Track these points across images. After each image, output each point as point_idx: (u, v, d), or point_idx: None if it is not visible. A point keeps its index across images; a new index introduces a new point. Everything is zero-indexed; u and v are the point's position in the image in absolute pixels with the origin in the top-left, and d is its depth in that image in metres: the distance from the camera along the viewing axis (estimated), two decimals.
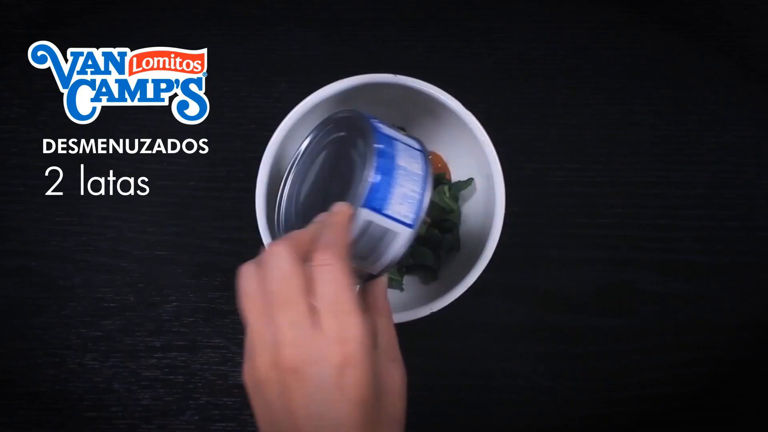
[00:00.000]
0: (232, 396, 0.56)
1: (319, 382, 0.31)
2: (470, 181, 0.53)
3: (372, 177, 0.38)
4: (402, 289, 0.54)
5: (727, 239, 0.58)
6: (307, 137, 0.44)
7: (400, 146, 0.41)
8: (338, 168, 0.41)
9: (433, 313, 0.47)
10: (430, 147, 0.55)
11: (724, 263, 0.57)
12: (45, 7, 0.60)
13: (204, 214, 0.58)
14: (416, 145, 0.43)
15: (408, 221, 0.41)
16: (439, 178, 0.55)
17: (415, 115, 0.54)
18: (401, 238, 0.41)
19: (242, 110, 0.59)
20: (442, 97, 0.49)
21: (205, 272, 0.57)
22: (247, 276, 0.33)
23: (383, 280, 0.39)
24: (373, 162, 0.38)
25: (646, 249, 0.57)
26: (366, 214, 0.38)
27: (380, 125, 0.41)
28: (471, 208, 0.54)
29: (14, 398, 0.55)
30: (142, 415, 0.55)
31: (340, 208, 0.37)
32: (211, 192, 0.58)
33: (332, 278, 0.32)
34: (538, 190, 0.58)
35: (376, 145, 0.39)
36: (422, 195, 0.41)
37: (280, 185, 0.44)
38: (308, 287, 0.32)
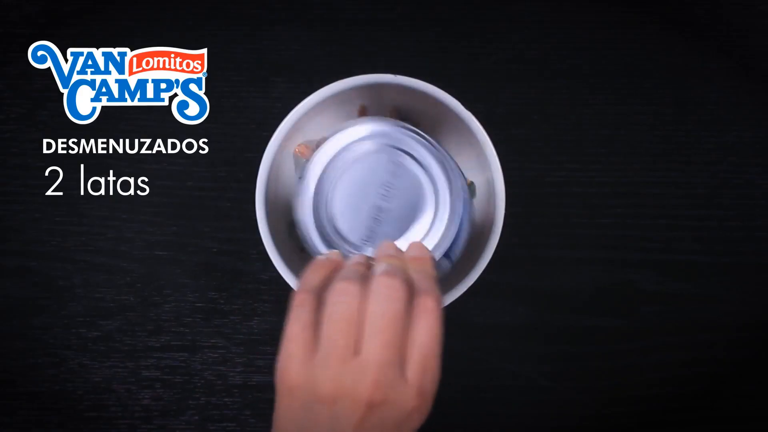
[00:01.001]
0: (232, 396, 0.56)
1: (385, 421, 0.31)
2: (471, 185, 0.54)
3: (456, 230, 0.39)
4: None
5: (727, 239, 0.58)
6: (342, 132, 0.41)
7: (466, 185, 0.42)
8: (397, 188, 0.40)
9: None
10: None
11: (724, 263, 0.57)
12: (45, 7, 0.60)
13: (204, 214, 0.58)
14: (461, 174, 0.43)
15: (453, 257, 0.41)
16: None
17: (414, 116, 0.54)
18: (440, 272, 0.41)
19: (242, 110, 0.59)
20: (442, 97, 0.49)
21: (205, 272, 0.57)
22: (350, 297, 0.32)
23: None
24: (461, 214, 0.39)
25: (646, 249, 0.57)
26: (440, 261, 0.40)
27: (452, 160, 0.40)
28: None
29: (14, 398, 0.55)
30: (141, 415, 0.55)
31: (424, 253, 0.37)
32: (211, 192, 0.58)
33: (431, 328, 0.32)
34: (538, 190, 0.58)
35: (465, 195, 0.39)
36: (468, 233, 0.42)
37: (295, 186, 0.42)
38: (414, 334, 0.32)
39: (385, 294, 0.32)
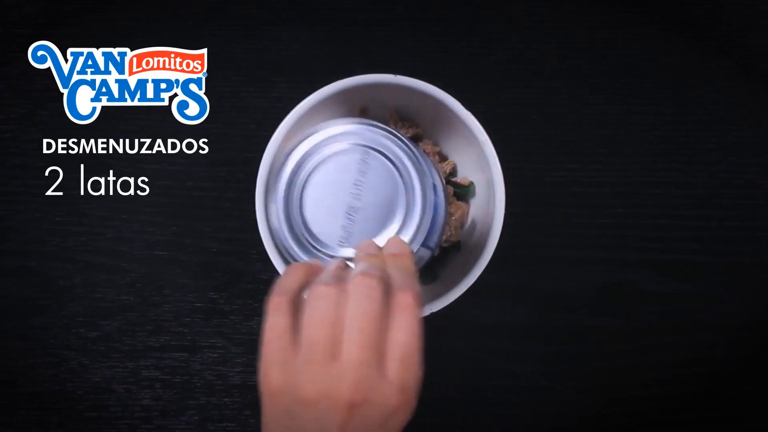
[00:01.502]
0: (232, 396, 0.56)
1: (369, 420, 0.31)
2: (471, 185, 0.54)
3: (430, 219, 0.38)
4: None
5: (727, 239, 0.58)
6: (307, 139, 0.41)
7: (435, 173, 0.41)
8: (367, 185, 0.40)
9: (433, 313, 0.47)
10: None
11: (724, 263, 0.57)
12: (45, 7, 0.60)
13: (204, 214, 0.58)
14: (432, 162, 0.42)
15: (432, 245, 0.41)
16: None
17: (414, 116, 0.54)
18: (421, 261, 0.41)
19: (242, 110, 0.59)
20: (442, 97, 0.49)
21: (205, 272, 0.57)
22: (328, 300, 0.32)
23: None
24: (434, 202, 0.38)
25: (646, 249, 0.57)
26: (418, 251, 0.39)
27: (419, 150, 0.40)
28: (471, 208, 0.54)
29: (14, 398, 0.55)
30: (141, 415, 0.55)
31: (402, 248, 0.36)
32: (211, 192, 0.58)
33: (409, 325, 0.32)
34: (538, 190, 0.58)
35: (435, 183, 0.39)
36: (444, 219, 0.42)
37: (279, 185, 0.41)
38: (392, 331, 0.32)
39: (361, 294, 0.32)
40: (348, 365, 0.31)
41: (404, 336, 0.32)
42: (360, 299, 0.32)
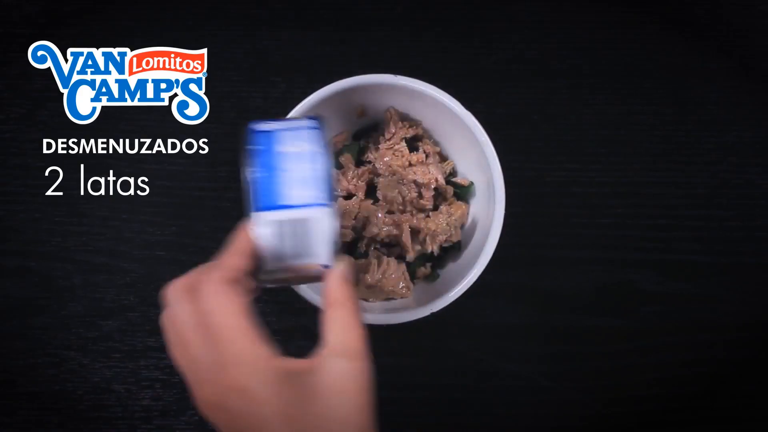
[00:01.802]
0: None
1: (236, 410, 0.32)
2: (471, 185, 0.54)
3: (250, 179, 0.38)
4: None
5: (727, 239, 0.58)
6: None
7: (279, 135, 0.40)
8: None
9: (433, 313, 0.47)
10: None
11: (724, 263, 0.57)
12: (45, 7, 0.60)
13: (204, 214, 0.58)
14: (303, 124, 0.42)
15: (320, 201, 0.39)
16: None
17: (414, 116, 0.54)
18: (324, 221, 0.40)
19: (242, 110, 0.59)
20: (441, 97, 0.49)
21: None
22: (164, 323, 0.35)
23: (336, 271, 0.38)
24: (247, 163, 0.38)
25: (646, 249, 0.57)
26: (266, 217, 0.37)
27: (260, 124, 0.40)
28: (471, 208, 0.54)
29: (14, 398, 0.55)
30: (141, 415, 0.55)
31: (237, 227, 0.38)
32: (211, 192, 0.58)
33: (218, 308, 0.33)
34: (538, 190, 0.58)
35: (248, 147, 0.39)
36: (323, 170, 0.40)
37: None
38: (205, 320, 0.33)
39: (168, 306, 0.34)
40: (196, 365, 0.33)
41: (216, 319, 0.33)
42: (170, 310, 0.34)
